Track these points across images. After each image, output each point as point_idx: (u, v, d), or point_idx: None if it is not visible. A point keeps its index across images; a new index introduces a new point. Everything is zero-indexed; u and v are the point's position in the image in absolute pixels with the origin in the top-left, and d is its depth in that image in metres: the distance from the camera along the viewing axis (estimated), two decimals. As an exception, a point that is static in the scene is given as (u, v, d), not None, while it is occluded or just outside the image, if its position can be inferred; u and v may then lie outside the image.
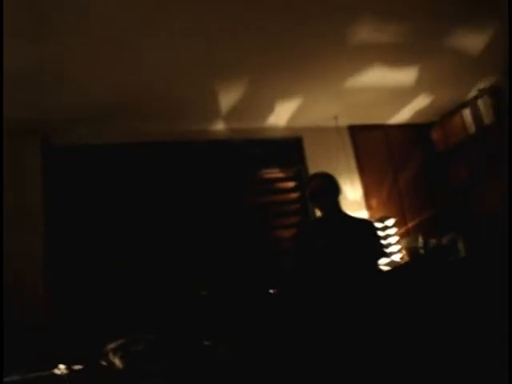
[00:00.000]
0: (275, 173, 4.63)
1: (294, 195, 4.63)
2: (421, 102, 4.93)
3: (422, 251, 4.60)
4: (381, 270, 3.23)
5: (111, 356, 2.98)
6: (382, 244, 3.20)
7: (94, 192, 3.96)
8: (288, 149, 4.75)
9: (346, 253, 2.96)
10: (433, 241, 4.62)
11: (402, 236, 4.82)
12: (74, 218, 3.87)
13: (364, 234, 3.10)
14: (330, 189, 3.10)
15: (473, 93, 4.94)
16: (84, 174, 3.97)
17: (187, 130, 4.33)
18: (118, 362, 2.97)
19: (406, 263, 4.49)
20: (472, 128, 4.98)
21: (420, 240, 4.68)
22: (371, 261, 3.11)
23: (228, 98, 3.97)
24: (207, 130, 4.49)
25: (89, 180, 3.97)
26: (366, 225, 3.18)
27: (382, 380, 2.81)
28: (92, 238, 3.87)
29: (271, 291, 3.82)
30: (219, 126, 4.49)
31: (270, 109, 4.36)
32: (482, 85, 4.80)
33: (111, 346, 3.00)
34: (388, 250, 4.48)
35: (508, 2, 3.42)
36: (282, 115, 4.54)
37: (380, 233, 4.47)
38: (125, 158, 4.12)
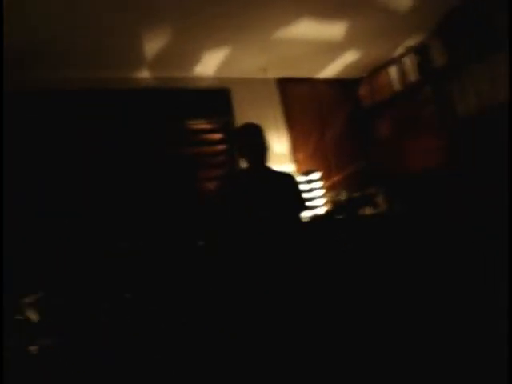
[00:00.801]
0: (202, 124, 4.52)
1: (221, 147, 4.56)
2: (349, 57, 4.94)
3: (344, 204, 4.72)
4: (303, 222, 3.26)
5: (27, 310, 2.91)
6: (304, 198, 3.23)
7: (14, 140, 3.73)
8: (215, 100, 4.63)
9: (269, 205, 2.98)
10: (356, 194, 4.74)
11: (327, 190, 4.91)
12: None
13: (287, 188, 3.13)
14: (259, 142, 3.07)
15: (400, 50, 5.00)
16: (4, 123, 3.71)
17: (111, 77, 4.11)
18: (33, 316, 2.90)
19: (324, 214, 4.58)
20: (397, 85, 5.08)
21: (343, 193, 4.79)
22: (294, 213, 3.15)
23: (154, 46, 3.79)
24: (132, 77, 4.29)
25: (8, 129, 3.72)
26: (289, 178, 3.20)
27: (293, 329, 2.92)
28: (13, 187, 3.66)
29: (200, 243, 3.82)
30: (144, 74, 4.31)
31: (197, 58, 4.22)
32: (409, 43, 4.86)
33: (27, 299, 2.93)
34: (313, 204, 4.56)
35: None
36: (209, 65, 4.42)
37: (305, 186, 4.53)
38: (47, 106, 3.88)
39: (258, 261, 2.93)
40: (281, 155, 4.87)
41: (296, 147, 5.02)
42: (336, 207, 4.69)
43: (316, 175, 4.65)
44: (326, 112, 5.37)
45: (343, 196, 4.77)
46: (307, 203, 3.35)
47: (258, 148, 3.07)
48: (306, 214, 3.48)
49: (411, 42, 4.83)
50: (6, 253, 3.11)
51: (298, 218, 3.20)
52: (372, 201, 4.47)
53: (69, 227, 3.72)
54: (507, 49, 3.88)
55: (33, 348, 2.69)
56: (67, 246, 3.67)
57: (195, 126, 4.50)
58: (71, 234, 3.71)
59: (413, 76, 4.88)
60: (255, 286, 2.92)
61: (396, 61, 5.06)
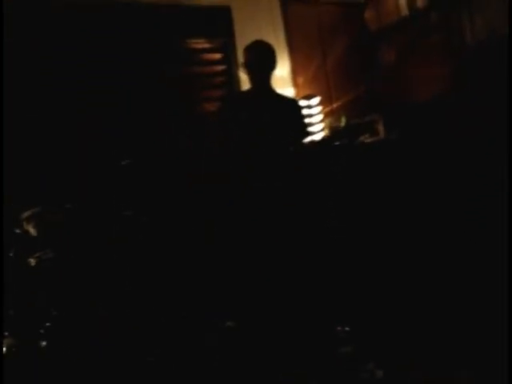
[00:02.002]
0: (201, 43, 4.40)
1: (220, 67, 4.47)
2: (356, -23, 4.77)
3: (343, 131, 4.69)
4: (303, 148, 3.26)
5: (25, 224, 2.94)
6: (306, 124, 3.22)
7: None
8: (215, 18, 4.47)
9: (271, 130, 2.96)
10: (355, 121, 4.71)
11: (326, 115, 4.86)
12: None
13: (290, 112, 3.10)
14: (268, 61, 3.03)
15: (409, -28, 4.82)
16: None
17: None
18: (32, 230, 2.94)
19: (321, 140, 4.57)
20: (405, 10, 4.94)
21: (343, 120, 4.75)
22: (295, 139, 3.14)
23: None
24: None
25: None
26: (292, 103, 3.18)
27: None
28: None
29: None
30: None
31: (197, -28, 4.07)
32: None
33: (26, 214, 2.95)
34: (311, 129, 4.52)
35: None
36: (211, -20, 4.26)
37: (305, 111, 4.48)
38: (40, 21, 3.75)
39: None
40: (281, 78, 4.76)
41: (297, 71, 4.91)
42: (334, 133, 4.67)
43: (316, 100, 4.59)
44: (329, 36, 5.22)
45: (342, 122, 4.74)
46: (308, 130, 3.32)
47: (267, 67, 3.02)
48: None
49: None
50: (7, 166, 3.13)
51: (300, 145, 3.19)
52: (372, 128, 4.44)
53: (69, 143, 3.71)
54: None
55: (31, 260, 2.74)
56: (68, 161, 3.67)
57: (194, 45, 4.37)
58: (71, 150, 3.70)
59: (421, 1, 4.73)
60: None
61: (404, -16, 4.88)
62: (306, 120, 4.42)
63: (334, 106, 5.09)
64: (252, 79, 3.05)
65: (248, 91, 3.12)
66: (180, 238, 3.46)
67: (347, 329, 2.94)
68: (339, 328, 2.95)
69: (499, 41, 3.96)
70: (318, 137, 4.55)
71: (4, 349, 2.44)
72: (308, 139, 4.36)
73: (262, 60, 3.02)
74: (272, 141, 2.96)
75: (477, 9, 4.20)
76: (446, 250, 3.52)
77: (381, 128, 4.39)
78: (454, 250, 3.49)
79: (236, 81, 4.44)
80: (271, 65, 3.03)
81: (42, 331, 2.58)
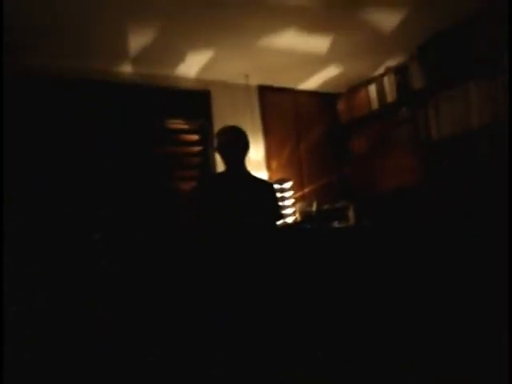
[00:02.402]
0: (180, 124, 4.53)
1: (198, 148, 4.58)
2: (330, 71, 5.01)
3: (314, 215, 4.77)
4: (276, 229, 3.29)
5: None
6: (280, 207, 3.26)
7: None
8: (195, 101, 4.65)
9: (244, 210, 3.00)
10: (326, 206, 4.80)
11: (297, 200, 4.97)
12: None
13: (264, 193, 3.14)
14: (240, 143, 3.09)
15: (380, 70, 5.10)
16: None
17: (93, 68, 4.11)
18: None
19: (296, 223, 4.65)
20: (375, 104, 5.18)
21: (314, 205, 4.85)
22: (269, 221, 3.17)
23: (138, 41, 3.78)
24: (114, 70, 4.27)
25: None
26: (267, 186, 3.22)
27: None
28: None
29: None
30: (127, 69, 4.29)
31: (180, 58, 4.23)
32: (390, 63, 4.96)
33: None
34: (283, 212, 4.60)
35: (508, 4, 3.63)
36: (192, 66, 4.42)
37: (277, 194, 4.56)
38: (28, 94, 3.84)
39: (230, 266, 2.95)
40: (255, 162, 4.90)
41: (271, 155, 5.07)
42: (306, 218, 4.74)
43: (288, 184, 4.70)
44: (303, 123, 5.43)
45: (313, 207, 4.83)
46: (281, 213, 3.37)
47: (239, 149, 3.09)
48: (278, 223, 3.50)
49: (392, 62, 4.92)
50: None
51: (273, 227, 3.22)
52: (342, 214, 4.53)
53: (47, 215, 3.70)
54: (483, 75, 4.00)
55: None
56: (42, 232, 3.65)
57: (173, 126, 4.50)
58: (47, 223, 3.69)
59: (391, 96, 4.98)
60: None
61: (376, 79, 5.15)
62: (279, 203, 4.51)
63: (306, 190, 5.21)
64: (225, 162, 3.11)
65: (222, 173, 3.17)
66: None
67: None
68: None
69: (463, 137, 4.17)
70: (289, 220, 4.61)
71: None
72: (280, 222, 4.44)
73: (233, 143, 3.09)
74: (245, 218, 2.99)
75: (444, 105, 4.43)
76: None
77: (351, 214, 4.48)
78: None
79: (212, 162, 4.54)
80: (243, 147, 3.10)
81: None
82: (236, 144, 3.09)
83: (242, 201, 3.00)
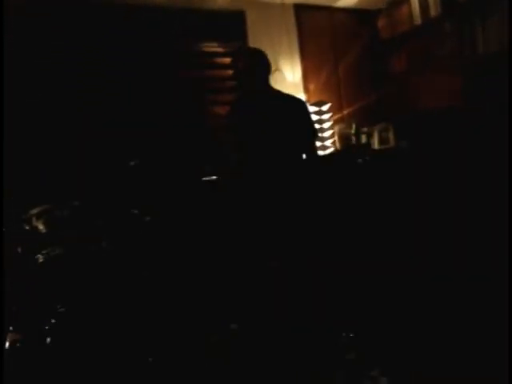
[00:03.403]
0: (214, 47, 4.42)
1: (232, 71, 4.49)
2: (370, -15, 4.78)
3: (353, 138, 4.69)
4: (313, 152, 3.22)
5: (34, 221, 2.96)
6: (312, 122, 3.17)
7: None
8: (229, 22, 4.51)
9: (274, 129, 2.95)
10: (365, 129, 4.71)
11: (336, 122, 4.87)
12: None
13: (295, 112, 3.06)
14: (258, 67, 3.00)
15: (423, -18, 4.83)
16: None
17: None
18: (41, 226, 2.96)
19: (337, 151, 4.59)
20: (418, 19, 4.93)
21: (353, 127, 4.76)
22: (304, 139, 3.10)
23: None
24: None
25: None
26: (297, 102, 3.12)
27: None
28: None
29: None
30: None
31: (213, -23, 4.11)
32: (433, -25, 4.68)
33: (34, 210, 2.97)
34: (321, 135, 4.53)
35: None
36: (226, -15, 4.30)
37: (315, 117, 4.49)
38: (51, 19, 3.79)
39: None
40: (292, 84, 4.80)
41: (308, 77, 4.94)
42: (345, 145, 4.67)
43: (326, 106, 4.60)
44: (342, 43, 5.24)
45: (353, 129, 4.74)
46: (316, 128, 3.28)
47: (261, 73, 3.00)
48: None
49: (436, -26, 4.64)
50: (17, 164, 3.16)
51: (310, 145, 3.16)
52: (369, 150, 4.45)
53: (83, 145, 3.75)
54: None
55: (40, 257, 2.76)
56: (77, 160, 3.71)
57: (207, 49, 4.40)
58: (81, 149, 3.74)
59: (434, 10, 4.72)
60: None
61: (418, -7, 4.88)
62: (317, 126, 4.44)
63: (345, 112, 5.10)
64: (249, 83, 3.05)
65: (250, 96, 3.11)
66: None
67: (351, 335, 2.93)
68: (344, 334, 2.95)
69: (510, 53, 3.95)
70: (327, 142, 4.55)
71: (7, 344, 2.46)
72: (317, 143, 4.39)
73: (250, 69, 3.00)
74: (278, 143, 2.96)
75: (490, 21, 4.19)
76: (449, 255, 3.52)
77: (391, 136, 4.39)
78: (456, 255, 3.49)
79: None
80: (263, 71, 3.01)
81: (46, 327, 2.59)
82: (252, 70, 3.00)
83: (274, 123, 2.95)
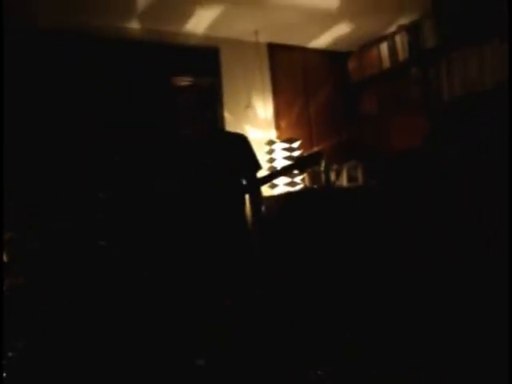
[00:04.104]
0: (188, 81, 4.49)
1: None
2: (341, 29, 4.91)
3: (323, 175, 4.75)
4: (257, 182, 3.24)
5: None
6: (256, 157, 3.18)
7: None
8: (204, 58, 4.59)
9: (213, 167, 2.99)
10: (334, 166, 4.78)
11: (305, 159, 4.94)
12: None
13: (238, 150, 3.11)
14: (198, 103, 3.06)
15: (392, 27, 5.00)
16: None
17: (99, 24, 4.05)
18: (4, 256, 2.91)
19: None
20: (387, 62, 5.10)
21: (323, 164, 4.82)
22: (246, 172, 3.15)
23: (146, -4, 3.75)
24: (121, 26, 4.22)
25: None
26: (240, 140, 3.18)
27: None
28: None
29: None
30: (134, 25, 4.25)
31: (189, 14, 4.17)
32: (402, 21, 4.85)
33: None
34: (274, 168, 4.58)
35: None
36: (201, 22, 4.36)
37: (285, 154, 4.55)
38: (30, 49, 3.81)
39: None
40: (264, 120, 4.88)
41: (279, 114, 5.03)
42: (314, 178, 4.71)
43: (296, 143, 4.67)
44: (313, 82, 5.36)
45: (322, 166, 4.80)
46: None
47: (197, 110, 3.06)
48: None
49: (404, 20, 4.82)
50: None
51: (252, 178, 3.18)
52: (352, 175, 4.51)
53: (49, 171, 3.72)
54: (498, 35, 3.91)
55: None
56: (46, 190, 3.67)
57: (181, 83, 4.45)
58: (51, 178, 3.71)
59: (402, 55, 4.90)
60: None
61: (387, 38, 5.05)
62: (287, 162, 4.50)
63: (315, 150, 5.17)
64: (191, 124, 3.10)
65: (190, 133, 3.15)
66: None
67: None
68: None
69: (474, 97, 4.11)
70: (297, 179, 4.60)
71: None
72: (286, 180, 4.44)
73: (191, 105, 3.06)
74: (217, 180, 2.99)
75: (455, 66, 4.36)
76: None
77: (360, 174, 4.48)
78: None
79: (221, 119, 4.51)
80: (202, 107, 3.06)
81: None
82: (193, 106, 3.06)
83: (213, 160, 2.98)
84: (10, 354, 2.55)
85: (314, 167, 4.20)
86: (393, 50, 5.01)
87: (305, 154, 4.48)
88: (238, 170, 3.07)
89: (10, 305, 2.69)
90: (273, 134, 4.90)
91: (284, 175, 4.21)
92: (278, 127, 4.99)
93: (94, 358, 2.75)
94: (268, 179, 3.20)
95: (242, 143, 3.15)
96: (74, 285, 2.94)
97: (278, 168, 4.37)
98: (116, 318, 2.98)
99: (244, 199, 3.12)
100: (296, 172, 4.47)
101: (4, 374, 2.48)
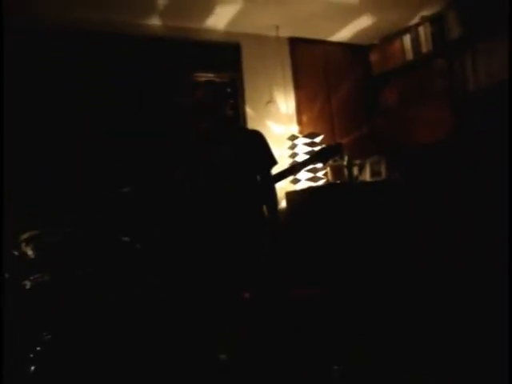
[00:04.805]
0: (209, 77, 4.48)
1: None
2: (363, 22, 4.86)
3: (345, 170, 4.72)
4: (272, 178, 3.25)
5: (24, 246, 2.94)
6: (272, 153, 3.18)
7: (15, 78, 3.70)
8: (225, 54, 4.59)
9: (229, 164, 3.00)
10: (357, 161, 4.74)
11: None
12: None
13: (254, 146, 3.12)
14: (214, 100, 3.06)
15: (415, 19, 4.93)
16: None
17: (120, 21, 4.06)
18: (30, 252, 2.94)
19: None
20: (410, 54, 5.03)
21: (345, 159, 4.79)
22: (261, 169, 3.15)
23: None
24: (142, 23, 4.24)
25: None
26: (255, 136, 3.19)
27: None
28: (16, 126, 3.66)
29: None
30: (155, 22, 4.26)
31: (210, 10, 4.17)
32: (425, 12, 4.78)
33: (24, 236, 2.96)
34: (313, 167, 4.55)
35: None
36: (222, 18, 4.36)
37: (307, 149, 4.52)
38: (50, 47, 3.84)
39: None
40: (286, 115, 4.87)
41: (301, 109, 5.01)
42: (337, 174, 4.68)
43: (318, 138, 4.64)
44: (335, 76, 5.31)
45: (345, 161, 4.77)
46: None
47: (212, 106, 3.06)
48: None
49: (427, 11, 4.75)
50: (7, 187, 3.15)
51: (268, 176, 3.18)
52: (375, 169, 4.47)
53: (72, 167, 3.76)
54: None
55: (27, 282, 2.74)
56: (70, 185, 3.71)
57: (202, 79, 4.46)
58: (74, 174, 3.75)
59: (426, 46, 4.83)
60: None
61: (410, 30, 4.98)
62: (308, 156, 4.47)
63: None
64: (205, 120, 3.13)
65: (208, 130, 3.16)
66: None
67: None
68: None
69: (500, 89, 4.03)
70: (319, 174, 4.57)
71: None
72: (309, 175, 4.41)
73: (206, 102, 3.08)
74: (232, 177, 2.99)
75: (480, 57, 4.28)
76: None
77: (383, 169, 4.43)
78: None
79: (243, 115, 4.51)
80: (220, 104, 3.06)
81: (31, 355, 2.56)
82: (208, 103, 3.07)
83: (227, 157, 2.99)
84: (38, 349, 2.58)
85: (333, 159, 4.19)
86: (416, 42, 4.94)
87: (324, 146, 4.46)
88: (254, 165, 3.07)
89: (36, 299, 2.72)
90: (295, 128, 4.88)
91: (303, 169, 4.19)
92: (299, 122, 4.96)
93: (120, 351, 2.78)
94: (286, 174, 3.21)
95: (257, 139, 3.16)
96: (98, 280, 2.95)
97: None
98: (139, 312, 3.00)
99: (260, 196, 3.12)
100: (316, 165, 4.45)
101: (32, 368, 2.51)
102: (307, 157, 4.24)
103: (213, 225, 2.97)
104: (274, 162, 3.18)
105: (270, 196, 3.12)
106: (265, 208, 3.11)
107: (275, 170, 3.16)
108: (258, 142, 3.14)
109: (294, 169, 3.53)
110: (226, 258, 2.93)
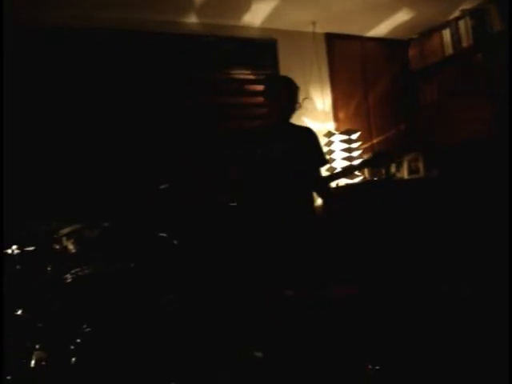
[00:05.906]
0: (245, 74, 4.50)
1: (262, 99, 4.53)
2: (401, 16, 4.78)
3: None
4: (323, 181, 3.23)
5: (64, 240, 3.00)
6: (323, 152, 3.17)
7: (48, 77, 3.79)
8: (261, 51, 4.58)
9: (282, 162, 2.96)
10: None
11: (365, 151, 4.85)
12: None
13: (305, 142, 3.10)
14: (280, 94, 3.03)
15: (456, 13, 4.82)
16: (39, 58, 3.77)
17: (156, 19, 4.13)
18: (70, 246, 3.00)
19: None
20: (450, 49, 4.92)
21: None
22: (313, 169, 3.13)
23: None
24: (178, 21, 4.29)
25: (45, 64, 3.78)
26: (307, 133, 3.17)
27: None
28: (46, 124, 3.74)
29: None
30: (191, 19, 4.30)
31: (246, 7, 4.18)
32: (465, 5, 4.67)
33: (65, 230, 3.02)
34: (350, 163, 4.51)
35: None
36: (258, 15, 4.36)
37: (344, 146, 4.49)
38: (85, 45, 3.92)
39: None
40: (322, 112, 4.83)
41: (338, 105, 4.96)
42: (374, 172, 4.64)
43: (355, 135, 4.60)
44: (372, 72, 5.25)
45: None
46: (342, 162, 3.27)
47: (278, 100, 3.03)
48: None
49: (468, 4, 4.63)
50: (47, 183, 3.23)
51: (318, 177, 3.18)
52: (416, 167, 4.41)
53: (112, 163, 3.83)
54: None
55: (68, 276, 2.79)
56: (109, 181, 3.78)
57: (238, 76, 4.47)
58: (114, 171, 3.82)
59: (467, 41, 4.72)
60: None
61: (450, 24, 4.87)
62: (346, 154, 4.44)
63: (374, 141, 5.08)
64: (271, 110, 3.10)
65: (264, 125, 3.18)
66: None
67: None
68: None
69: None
70: (356, 171, 4.52)
71: (33, 361, 2.48)
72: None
73: (272, 95, 3.07)
74: (286, 174, 2.96)
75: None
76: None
77: (421, 166, 4.36)
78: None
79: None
80: (286, 99, 3.02)
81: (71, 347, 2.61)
82: (275, 96, 3.05)
83: (282, 152, 2.96)
84: (78, 340, 2.63)
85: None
86: (456, 36, 4.82)
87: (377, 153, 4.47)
88: (305, 161, 3.05)
89: (77, 293, 2.78)
90: (331, 125, 4.84)
91: (358, 170, 4.25)
92: (336, 119, 4.93)
93: (160, 345, 2.81)
94: (340, 175, 3.32)
95: (309, 136, 3.14)
96: (137, 274, 2.99)
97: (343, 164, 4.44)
98: (179, 306, 3.03)
99: (311, 192, 3.11)
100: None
101: (73, 359, 2.56)
102: (345, 155, 4.27)
103: (265, 219, 2.98)
104: (324, 162, 3.20)
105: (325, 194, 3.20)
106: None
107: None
108: (311, 140, 3.13)
109: (347, 172, 3.61)
110: (273, 254, 2.93)
